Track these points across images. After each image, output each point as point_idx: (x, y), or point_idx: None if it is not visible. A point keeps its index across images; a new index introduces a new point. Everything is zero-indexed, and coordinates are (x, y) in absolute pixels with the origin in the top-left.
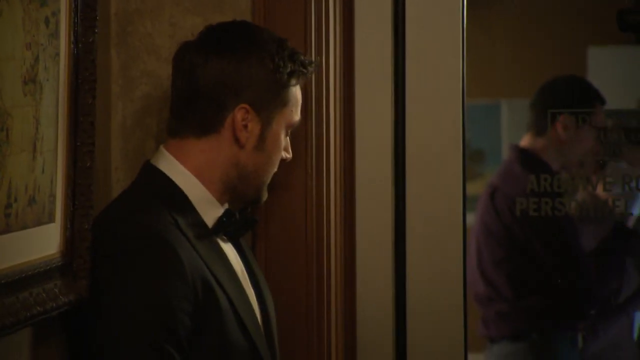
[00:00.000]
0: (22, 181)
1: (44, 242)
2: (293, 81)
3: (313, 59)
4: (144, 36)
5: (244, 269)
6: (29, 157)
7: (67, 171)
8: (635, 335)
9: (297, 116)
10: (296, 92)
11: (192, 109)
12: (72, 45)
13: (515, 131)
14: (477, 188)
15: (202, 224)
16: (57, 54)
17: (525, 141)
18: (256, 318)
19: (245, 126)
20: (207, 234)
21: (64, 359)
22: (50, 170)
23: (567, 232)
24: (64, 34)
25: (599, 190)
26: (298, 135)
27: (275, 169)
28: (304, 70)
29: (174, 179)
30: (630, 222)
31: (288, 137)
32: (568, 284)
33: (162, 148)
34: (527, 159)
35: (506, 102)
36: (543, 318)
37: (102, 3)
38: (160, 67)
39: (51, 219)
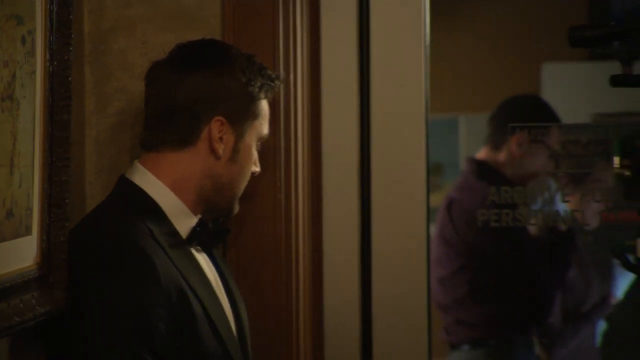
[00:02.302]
0: (0, 195)
1: (21, 254)
2: (262, 94)
3: (280, 74)
4: (117, 54)
5: (217, 277)
6: (7, 171)
7: (43, 185)
8: (598, 342)
9: (266, 129)
10: (265, 105)
11: (168, 123)
12: (47, 63)
13: (472, 145)
14: (437, 200)
15: (176, 233)
16: (34, 72)
17: (481, 154)
18: (229, 325)
19: (221, 138)
20: (181, 244)
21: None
22: (27, 184)
23: (525, 242)
24: (40, 52)
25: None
26: (267, 148)
27: (247, 181)
28: (272, 84)
29: (148, 191)
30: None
31: (257, 151)
32: (525, 292)
33: (136, 162)
34: (483, 171)
35: (464, 117)
36: (501, 325)
37: (76, 22)
38: (133, 84)
39: (28, 232)
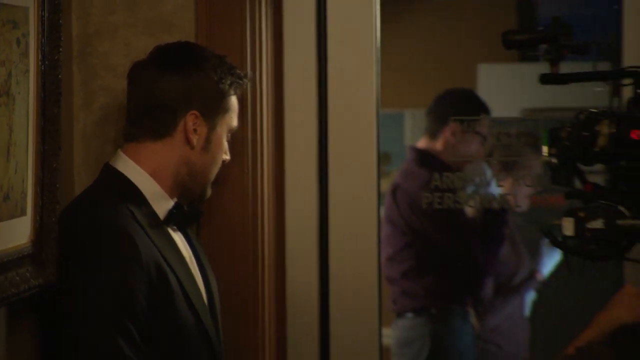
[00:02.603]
0: None
1: (17, 233)
2: (232, 91)
3: (248, 73)
4: (102, 55)
5: (191, 255)
6: (4, 159)
7: (36, 172)
8: (528, 311)
9: (235, 122)
10: (235, 100)
11: (148, 117)
12: (40, 63)
13: (416, 137)
14: (384, 186)
15: (155, 215)
16: (27, 70)
17: (421, 143)
18: (202, 297)
19: (195, 130)
20: (160, 224)
21: (35, 335)
22: (21, 171)
23: (462, 223)
24: (33, 53)
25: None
26: (236, 139)
27: (218, 169)
28: (240, 81)
29: (130, 177)
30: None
31: (227, 142)
32: (461, 267)
33: (119, 151)
34: (423, 158)
35: (409, 112)
36: (440, 296)
37: (65, 26)
38: (116, 82)
39: (23, 213)
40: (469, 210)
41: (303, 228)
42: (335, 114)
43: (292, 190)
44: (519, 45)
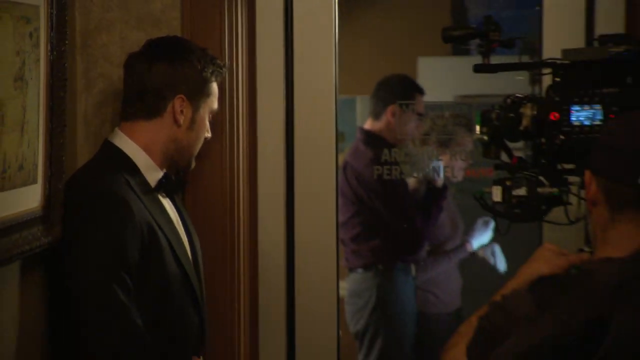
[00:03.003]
0: (13, 153)
1: (29, 198)
2: (213, 78)
3: (226, 63)
4: (100, 47)
5: (178, 218)
6: (18, 135)
7: (45, 146)
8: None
9: (216, 104)
10: (215, 87)
11: (141, 100)
12: (49, 53)
13: (365, 119)
14: (340, 160)
15: (147, 184)
16: (38, 59)
17: (367, 124)
18: (187, 253)
19: (182, 111)
20: (151, 191)
21: (44, 286)
22: (33, 145)
23: (404, 193)
24: (43, 45)
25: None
26: (216, 120)
27: (201, 144)
28: (220, 70)
29: (125, 151)
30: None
31: (209, 122)
32: (403, 231)
33: (117, 129)
34: (368, 137)
35: (360, 97)
36: (385, 255)
37: (70, 22)
38: (112, 71)
39: (34, 181)
40: (411, 182)
41: (272, 195)
42: (300, 99)
43: (263, 164)
44: (455, 40)
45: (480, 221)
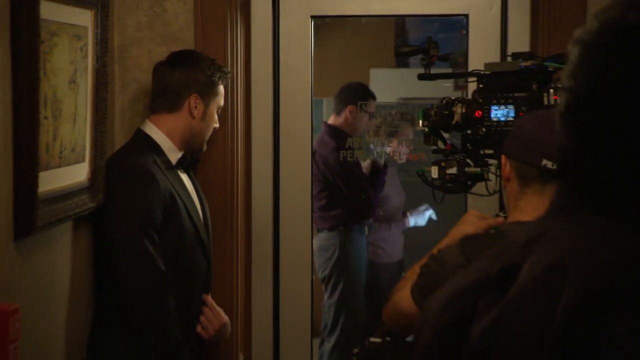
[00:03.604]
0: (68, 139)
1: (80, 173)
2: (220, 82)
3: (229, 70)
4: (133, 58)
5: (192, 188)
6: (72, 125)
7: (91, 133)
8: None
9: (222, 102)
10: (222, 88)
11: (165, 98)
12: (94, 62)
13: (329, 116)
14: None
15: (169, 162)
16: (86, 67)
17: (330, 120)
18: (199, 215)
19: (196, 106)
20: (172, 168)
21: (89, 239)
22: (82, 132)
23: (359, 172)
24: (90, 56)
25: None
26: (220, 115)
27: (211, 132)
28: (225, 75)
29: (153, 137)
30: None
31: (217, 115)
32: (358, 201)
33: (146, 120)
34: (331, 130)
35: (325, 99)
36: (345, 219)
37: (110, 39)
38: (142, 76)
39: (83, 160)
40: (365, 164)
41: (263, 172)
42: (284, 98)
43: (256, 148)
44: (405, 54)
45: (421, 207)
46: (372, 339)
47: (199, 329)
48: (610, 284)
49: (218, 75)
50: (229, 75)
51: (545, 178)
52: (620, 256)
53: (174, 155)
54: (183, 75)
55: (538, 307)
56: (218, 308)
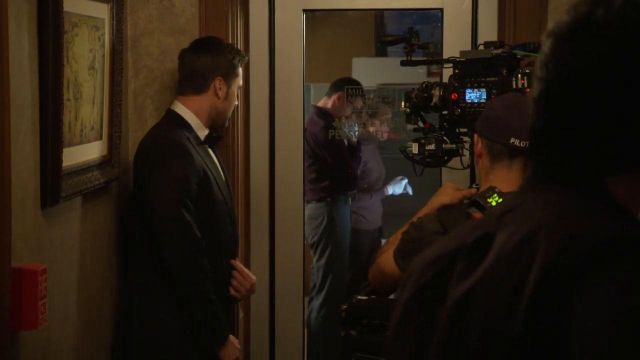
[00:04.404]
0: (88, 119)
1: (98, 149)
2: (239, 64)
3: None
4: (144, 47)
5: (217, 162)
6: (91, 106)
7: (109, 114)
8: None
9: (241, 82)
10: (241, 70)
11: (192, 81)
12: (111, 51)
13: (316, 100)
14: None
15: (198, 138)
16: (103, 55)
17: (321, 103)
18: (226, 186)
19: (220, 88)
20: (201, 143)
21: (106, 206)
22: (100, 113)
23: (344, 148)
24: (107, 45)
25: (369, 128)
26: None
27: (232, 110)
28: (244, 58)
29: (183, 116)
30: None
31: (237, 94)
32: (341, 174)
33: (176, 101)
34: (320, 112)
35: (313, 85)
36: (331, 190)
37: (124, 30)
38: (153, 63)
39: (101, 138)
40: (346, 142)
41: (260, 147)
42: (279, 84)
43: (254, 125)
44: (389, 43)
45: (398, 178)
46: (359, 297)
47: (232, 291)
48: (578, 256)
49: (238, 59)
50: (247, 58)
51: (513, 154)
52: (588, 228)
53: (202, 132)
54: (208, 61)
55: (510, 277)
56: (246, 270)
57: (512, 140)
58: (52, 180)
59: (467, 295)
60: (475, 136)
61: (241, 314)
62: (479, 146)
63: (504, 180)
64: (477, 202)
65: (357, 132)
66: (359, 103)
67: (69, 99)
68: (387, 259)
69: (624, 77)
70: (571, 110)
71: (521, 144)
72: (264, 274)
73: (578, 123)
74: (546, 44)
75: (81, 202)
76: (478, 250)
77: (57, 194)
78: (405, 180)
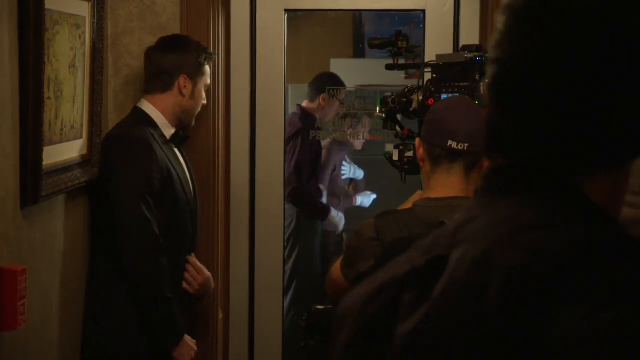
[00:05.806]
0: (68, 117)
1: (78, 148)
2: (206, 63)
3: (214, 52)
4: (125, 45)
5: (183, 160)
6: (71, 105)
7: (89, 112)
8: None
9: (209, 81)
10: (208, 68)
11: (158, 79)
12: (91, 49)
13: (294, 100)
14: None
15: (164, 136)
16: (84, 53)
17: (304, 104)
18: (189, 184)
19: (185, 86)
20: (167, 142)
21: (85, 205)
22: (80, 112)
23: (319, 148)
24: (87, 43)
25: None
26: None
27: (199, 109)
28: (211, 57)
29: (149, 114)
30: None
31: (204, 92)
32: (314, 177)
33: (142, 99)
34: (304, 114)
35: (291, 85)
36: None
37: (105, 28)
38: (133, 62)
39: (81, 137)
40: (324, 142)
41: (241, 148)
42: (260, 84)
43: (235, 126)
44: (376, 46)
45: (367, 192)
46: (317, 306)
47: (184, 285)
48: (539, 274)
49: (204, 57)
50: (214, 56)
51: (452, 158)
52: (547, 246)
53: (168, 130)
54: (174, 59)
55: (464, 306)
56: (200, 265)
57: (449, 142)
58: (32, 180)
59: (419, 331)
60: (417, 140)
61: (220, 315)
62: (421, 151)
63: (443, 185)
64: None
65: (332, 137)
66: (342, 96)
67: (49, 98)
68: (335, 267)
69: (599, 55)
70: (528, 98)
71: (459, 146)
72: (244, 274)
73: (536, 114)
74: (500, 21)
75: (61, 202)
76: (429, 276)
77: (37, 193)
78: (374, 196)
